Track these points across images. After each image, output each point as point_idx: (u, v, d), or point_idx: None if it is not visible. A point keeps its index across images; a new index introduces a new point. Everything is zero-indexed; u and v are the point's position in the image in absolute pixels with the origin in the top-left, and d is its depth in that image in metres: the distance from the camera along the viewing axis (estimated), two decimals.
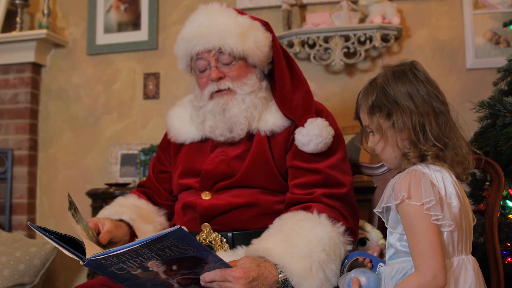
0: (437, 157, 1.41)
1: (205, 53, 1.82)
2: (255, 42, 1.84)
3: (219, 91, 1.85)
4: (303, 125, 1.79)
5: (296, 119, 1.83)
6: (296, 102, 1.85)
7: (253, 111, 1.85)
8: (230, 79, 1.84)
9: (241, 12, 1.92)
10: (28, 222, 1.53)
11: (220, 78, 1.84)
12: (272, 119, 1.87)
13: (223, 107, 1.84)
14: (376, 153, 1.53)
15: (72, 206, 1.54)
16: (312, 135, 1.76)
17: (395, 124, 1.42)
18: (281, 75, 1.89)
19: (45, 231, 1.45)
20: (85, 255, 1.40)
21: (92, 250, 1.42)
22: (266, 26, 1.93)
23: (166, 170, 2.07)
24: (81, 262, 1.39)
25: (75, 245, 1.46)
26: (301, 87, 1.90)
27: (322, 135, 1.76)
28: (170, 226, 1.97)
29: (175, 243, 1.32)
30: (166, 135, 2.10)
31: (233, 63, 1.83)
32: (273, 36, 1.93)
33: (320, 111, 1.90)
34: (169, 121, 2.05)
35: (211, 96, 1.87)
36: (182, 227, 1.29)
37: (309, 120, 1.79)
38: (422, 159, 1.41)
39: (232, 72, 1.84)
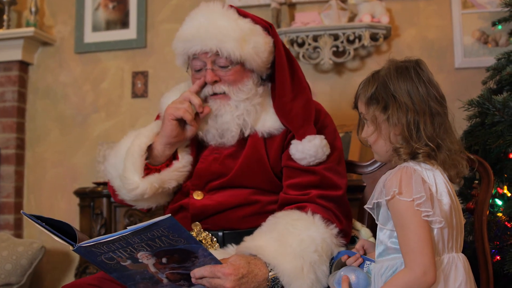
0: (429, 157, 1.41)
1: (202, 54, 1.76)
2: (254, 48, 1.76)
3: (214, 94, 1.80)
4: (300, 138, 1.75)
5: (294, 130, 1.78)
6: (296, 111, 1.80)
7: (246, 118, 1.80)
8: (226, 83, 1.78)
9: (244, 13, 1.85)
10: (22, 211, 1.55)
11: (216, 82, 1.78)
12: (270, 121, 1.83)
13: (215, 113, 1.79)
14: (368, 145, 1.54)
15: None
16: (307, 154, 1.73)
17: (390, 118, 1.42)
18: (282, 83, 1.83)
19: (38, 219, 1.44)
20: (76, 242, 1.40)
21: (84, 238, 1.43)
22: (269, 29, 1.85)
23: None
24: (71, 248, 1.40)
25: (67, 233, 1.45)
26: (302, 95, 1.84)
27: (317, 155, 1.74)
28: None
29: (165, 233, 1.32)
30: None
31: (230, 67, 1.77)
32: (276, 40, 1.85)
33: (318, 112, 1.86)
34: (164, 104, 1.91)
35: (205, 99, 1.82)
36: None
37: (308, 138, 1.75)
38: (413, 156, 1.41)
39: (228, 76, 1.78)
